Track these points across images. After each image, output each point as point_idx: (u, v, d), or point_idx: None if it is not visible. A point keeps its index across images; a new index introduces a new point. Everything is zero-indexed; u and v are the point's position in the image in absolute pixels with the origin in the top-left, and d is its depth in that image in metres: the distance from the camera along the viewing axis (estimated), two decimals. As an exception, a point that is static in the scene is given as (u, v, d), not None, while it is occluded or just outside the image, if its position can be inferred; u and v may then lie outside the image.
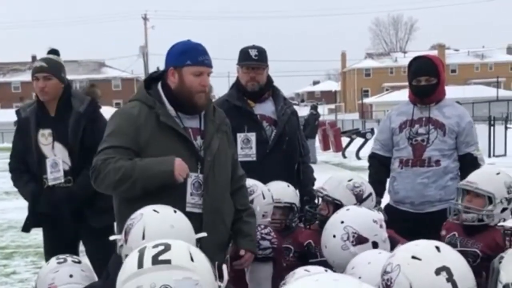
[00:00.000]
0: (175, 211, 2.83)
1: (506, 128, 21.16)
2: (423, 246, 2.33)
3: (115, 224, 3.77)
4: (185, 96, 3.37)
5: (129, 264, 2.02)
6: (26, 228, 4.65)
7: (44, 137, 4.50)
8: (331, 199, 3.80)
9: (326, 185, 3.90)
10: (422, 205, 4.45)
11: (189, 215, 3.21)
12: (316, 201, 4.03)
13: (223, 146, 3.51)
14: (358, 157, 21.45)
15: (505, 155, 19.98)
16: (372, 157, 4.75)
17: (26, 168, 4.56)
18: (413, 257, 2.25)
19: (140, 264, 1.97)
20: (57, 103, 4.53)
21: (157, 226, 2.63)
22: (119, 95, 68.23)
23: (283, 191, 4.05)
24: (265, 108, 4.68)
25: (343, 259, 3.15)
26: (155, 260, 1.97)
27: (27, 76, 74.07)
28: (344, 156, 23.09)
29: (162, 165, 3.21)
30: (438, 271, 2.21)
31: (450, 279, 2.18)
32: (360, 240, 3.19)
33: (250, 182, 3.83)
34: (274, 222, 3.95)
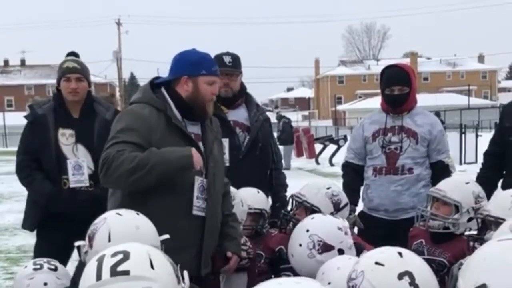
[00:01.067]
0: (137, 214, 2.85)
1: (477, 136, 21.39)
2: (386, 253, 2.37)
3: None
4: (199, 103, 3.51)
5: (88, 275, 1.97)
6: (30, 226, 4.57)
7: (65, 137, 4.44)
8: (310, 205, 3.83)
9: (304, 191, 3.92)
10: (396, 212, 4.51)
11: (193, 218, 3.36)
12: (289, 207, 4.05)
13: (219, 153, 3.67)
14: (331, 164, 21.57)
15: (476, 162, 20.14)
16: (346, 165, 4.78)
17: (38, 166, 4.43)
18: (376, 263, 2.29)
19: (99, 276, 1.92)
20: (81, 105, 4.50)
21: (122, 228, 2.63)
22: (92, 100, 67.79)
23: (253, 198, 4.06)
24: (238, 115, 4.69)
25: (310, 267, 3.18)
26: (114, 272, 1.92)
27: (-3, 80, 72.12)
28: (318, 163, 23.20)
29: (180, 151, 3.29)
30: (400, 276, 2.24)
31: (413, 283, 2.21)
32: (326, 247, 3.22)
33: (231, 189, 3.87)
34: (245, 228, 3.96)
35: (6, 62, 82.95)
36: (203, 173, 3.45)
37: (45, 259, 3.42)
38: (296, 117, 53.38)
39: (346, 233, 3.32)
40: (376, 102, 5.17)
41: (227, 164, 4.54)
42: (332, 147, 23.07)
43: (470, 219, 3.59)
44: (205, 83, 3.49)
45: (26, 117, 4.58)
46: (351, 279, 2.34)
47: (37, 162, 4.45)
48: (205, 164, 3.46)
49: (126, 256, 1.95)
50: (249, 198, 4.01)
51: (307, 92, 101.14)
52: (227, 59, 4.63)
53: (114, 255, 1.97)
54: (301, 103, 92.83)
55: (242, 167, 4.49)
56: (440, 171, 4.43)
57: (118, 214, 2.76)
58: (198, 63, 3.50)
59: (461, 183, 3.72)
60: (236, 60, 4.66)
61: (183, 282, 2.07)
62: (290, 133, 22.49)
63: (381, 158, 4.53)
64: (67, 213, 4.31)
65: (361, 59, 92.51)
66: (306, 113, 76.53)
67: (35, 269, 3.33)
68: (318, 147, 24.51)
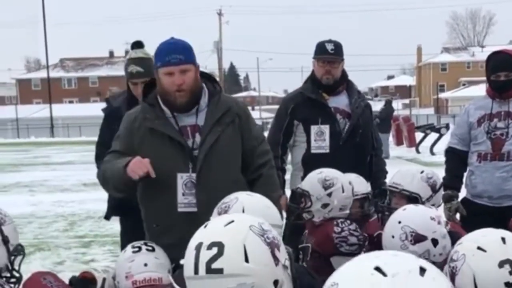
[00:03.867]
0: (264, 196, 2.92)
1: None
2: (489, 237, 2.35)
3: None
4: (166, 96, 3.39)
5: (188, 265, 2.02)
6: (107, 215, 4.74)
7: None
8: (409, 193, 3.81)
9: (398, 179, 3.90)
10: (501, 199, 4.41)
11: (184, 215, 3.36)
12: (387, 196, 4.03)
13: (225, 138, 3.46)
14: (432, 153, 21.07)
15: None
16: (450, 151, 4.73)
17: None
18: (478, 248, 2.28)
19: (196, 270, 1.98)
20: None
21: (255, 205, 2.70)
22: (193, 89, 69.08)
23: (355, 183, 4.04)
24: (339, 101, 4.72)
25: None
26: (209, 269, 1.96)
27: (104, 71, 75.49)
28: (418, 152, 22.74)
29: (119, 163, 3.33)
30: (501, 264, 2.23)
31: None
32: (418, 238, 3.19)
33: (330, 174, 3.81)
34: (353, 214, 3.94)
35: (111, 54, 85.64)
36: (190, 168, 3.38)
37: (142, 242, 3.55)
38: (396, 106, 52.54)
39: (439, 223, 3.28)
40: (480, 90, 5.05)
41: (326, 151, 4.60)
42: (433, 136, 22.51)
43: None
44: (163, 74, 3.35)
45: (103, 110, 4.70)
46: (452, 260, 2.34)
47: None
48: (193, 157, 3.39)
49: (220, 251, 1.97)
50: (353, 184, 3.99)
51: (408, 80, 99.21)
52: (329, 46, 4.66)
53: (209, 247, 1.98)
54: (402, 91, 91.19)
55: (342, 153, 4.52)
56: None
57: (249, 195, 2.86)
58: (156, 56, 3.40)
59: None
60: (338, 47, 4.68)
61: (287, 258, 2.08)
62: (387, 121, 22.11)
63: (486, 144, 4.45)
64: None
65: (465, 45, 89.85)
66: (407, 101, 75.16)
67: (134, 252, 3.45)
68: (418, 136, 24.00)
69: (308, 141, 4.66)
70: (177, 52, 3.33)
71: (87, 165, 22.01)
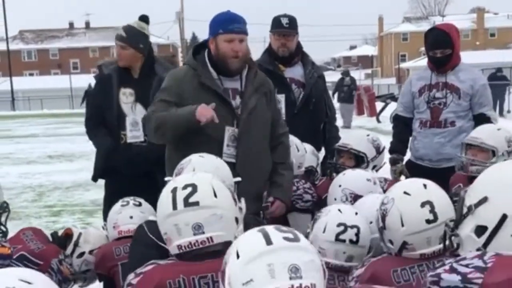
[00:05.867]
0: (216, 157, 3.29)
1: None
2: (413, 184, 2.78)
3: None
4: (221, 61, 3.81)
5: (165, 205, 2.42)
6: (94, 177, 5.00)
7: (125, 96, 4.79)
8: (357, 152, 4.25)
9: (347, 140, 4.35)
10: (439, 161, 4.85)
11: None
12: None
13: (261, 105, 3.90)
14: (392, 122, 21.44)
15: (541, 118, 20.01)
16: (396, 118, 5.20)
17: (102, 121, 4.84)
18: (404, 192, 2.70)
19: (174, 206, 2.38)
20: (140, 67, 4.83)
21: (205, 167, 3.01)
22: (156, 61, 68.59)
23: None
24: (295, 72, 5.06)
25: None
26: (186, 203, 2.37)
27: (64, 43, 73.53)
28: (379, 121, 23.13)
29: (187, 109, 3.68)
30: (423, 204, 2.65)
31: (432, 211, 2.62)
32: (357, 199, 3.58)
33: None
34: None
35: (71, 25, 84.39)
36: (235, 124, 3.79)
37: (131, 197, 3.92)
38: (359, 76, 53.10)
39: (374, 183, 3.72)
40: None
41: (283, 118, 4.95)
42: (394, 105, 22.83)
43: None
44: (224, 41, 3.76)
45: (95, 77, 5.00)
46: (383, 203, 2.75)
47: (102, 117, 4.84)
48: (236, 115, 3.79)
49: (194, 188, 2.39)
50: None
51: (370, 50, 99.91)
52: (284, 20, 4.99)
53: (184, 187, 2.40)
54: (364, 61, 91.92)
55: (297, 121, 4.83)
56: (482, 123, 4.68)
57: (201, 156, 3.19)
58: (218, 23, 3.80)
59: (494, 130, 4.10)
60: (292, 21, 5.01)
61: (240, 202, 2.51)
62: (350, 92, 22.53)
63: (426, 112, 4.88)
64: (126, 166, 4.70)
65: (426, 15, 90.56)
66: (369, 71, 75.88)
67: (122, 205, 3.88)
68: (379, 105, 24.42)
69: None
70: (239, 22, 3.81)
71: (51, 137, 22.15)
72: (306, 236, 3.38)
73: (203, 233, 2.37)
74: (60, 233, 3.99)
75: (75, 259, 3.84)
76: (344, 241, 2.92)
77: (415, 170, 4.78)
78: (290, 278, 1.74)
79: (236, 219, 2.46)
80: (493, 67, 27.44)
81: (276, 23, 5.02)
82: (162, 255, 2.52)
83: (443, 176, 4.48)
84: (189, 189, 2.39)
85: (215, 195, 2.41)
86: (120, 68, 4.83)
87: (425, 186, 2.72)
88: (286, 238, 1.84)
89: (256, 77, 3.94)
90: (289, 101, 4.95)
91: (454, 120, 4.82)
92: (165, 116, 3.73)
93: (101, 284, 3.93)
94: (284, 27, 4.98)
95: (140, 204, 3.89)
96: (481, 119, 4.78)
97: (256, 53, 4.94)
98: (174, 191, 2.41)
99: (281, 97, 4.93)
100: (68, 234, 3.91)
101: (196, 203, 2.37)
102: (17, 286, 1.79)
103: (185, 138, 3.76)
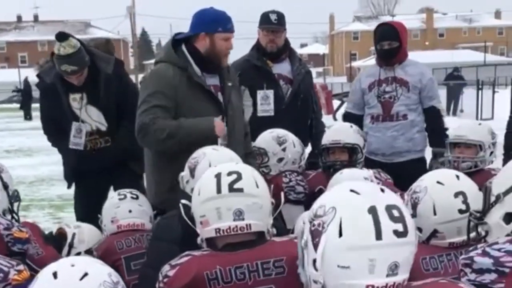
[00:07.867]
0: (229, 150, 3.30)
1: (493, 92, 21.64)
2: (446, 174, 2.86)
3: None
4: (215, 58, 3.87)
5: (208, 188, 2.44)
6: (69, 184, 4.93)
7: (76, 101, 4.62)
8: (350, 144, 4.34)
9: (337, 136, 4.41)
10: (392, 155, 4.99)
11: None
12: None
13: (237, 100, 4.06)
14: (343, 120, 21.65)
15: (492, 118, 20.41)
16: (346, 115, 5.28)
17: (62, 131, 4.66)
18: (438, 182, 2.77)
19: (219, 190, 2.41)
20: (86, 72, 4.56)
21: (221, 159, 3.02)
22: (107, 56, 67.88)
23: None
24: (282, 68, 5.11)
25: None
26: (231, 188, 2.41)
27: (12, 36, 72.09)
28: (335, 119, 23.33)
29: (204, 125, 3.71)
30: (456, 195, 2.72)
31: (465, 201, 2.70)
32: None
33: (281, 132, 4.36)
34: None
35: (19, 18, 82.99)
36: (225, 121, 3.84)
37: (128, 190, 3.90)
38: (311, 74, 53.33)
39: (371, 181, 3.82)
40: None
41: (271, 114, 5.02)
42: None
43: (491, 153, 4.23)
44: (221, 39, 3.84)
45: (37, 85, 4.80)
46: (415, 192, 2.80)
47: (60, 126, 4.68)
48: (225, 112, 3.87)
49: (239, 176, 2.45)
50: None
51: (321, 48, 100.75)
52: (272, 17, 5.05)
53: (229, 174, 2.45)
54: (315, 60, 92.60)
55: (285, 117, 4.91)
56: (433, 115, 4.95)
57: (214, 149, 3.20)
58: (215, 21, 3.86)
59: (476, 125, 4.35)
60: (281, 17, 5.07)
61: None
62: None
63: (377, 107, 5.01)
64: (96, 169, 4.65)
65: (376, 14, 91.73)
66: (320, 69, 76.47)
67: (120, 199, 3.82)
68: (335, 103, 24.66)
69: (255, 105, 5.04)
70: (231, 21, 3.92)
71: (5, 132, 21.74)
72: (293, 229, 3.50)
73: (243, 219, 2.41)
74: (54, 231, 3.91)
75: None
76: None
77: (369, 164, 4.76)
78: (387, 276, 1.78)
79: (271, 212, 2.53)
80: (443, 67, 28.00)
81: (265, 19, 5.08)
82: (184, 251, 2.51)
83: (396, 171, 4.62)
84: (234, 176, 2.44)
85: (257, 186, 2.47)
86: (61, 75, 4.52)
87: (457, 177, 2.81)
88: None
89: (229, 72, 4.04)
90: (277, 96, 5.01)
91: (406, 113, 4.96)
92: (176, 130, 3.69)
93: None
94: (273, 23, 5.03)
95: (137, 197, 3.86)
96: (431, 112, 4.98)
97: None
98: (218, 176, 2.45)
99: (270, 93, 5.00)
100: (61, 234, 3.83)
101: (241, 190, 2.42)
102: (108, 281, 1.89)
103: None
